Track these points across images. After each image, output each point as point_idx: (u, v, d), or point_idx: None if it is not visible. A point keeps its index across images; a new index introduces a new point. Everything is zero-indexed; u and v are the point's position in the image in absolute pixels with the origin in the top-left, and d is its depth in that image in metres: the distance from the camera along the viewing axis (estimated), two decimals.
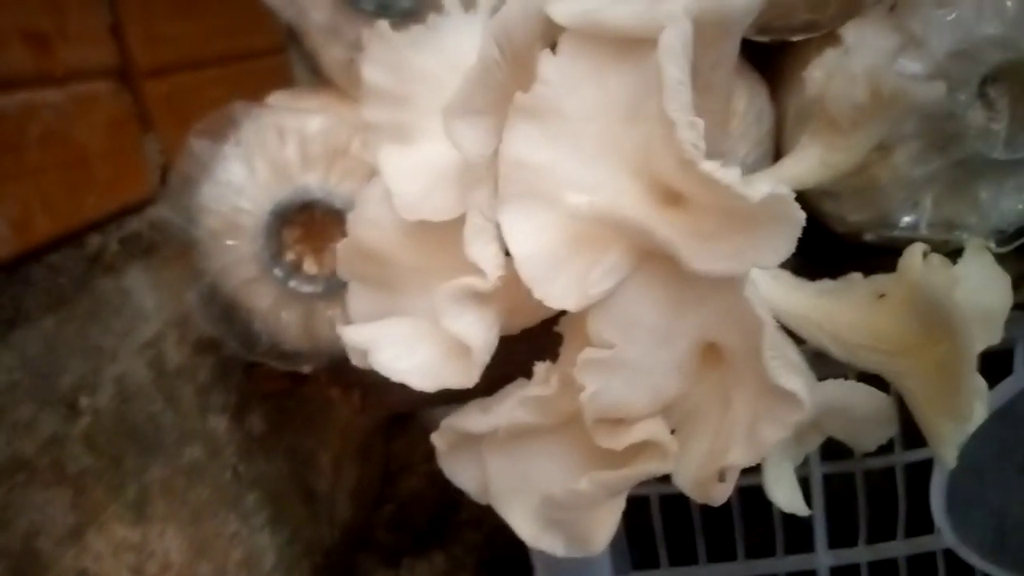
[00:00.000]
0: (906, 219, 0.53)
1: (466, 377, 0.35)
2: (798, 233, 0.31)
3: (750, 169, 0.54)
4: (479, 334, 0.35)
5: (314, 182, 0.53)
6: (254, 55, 0.72)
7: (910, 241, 0.53)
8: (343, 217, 0.47)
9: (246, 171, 0.54)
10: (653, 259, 0.33)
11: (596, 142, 0.35)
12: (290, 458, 0.68)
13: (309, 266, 0.56)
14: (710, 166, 0.30)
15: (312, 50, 0.53)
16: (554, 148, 0.35)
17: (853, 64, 0.45)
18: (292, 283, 0.55)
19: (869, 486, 0.56)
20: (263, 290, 0.55)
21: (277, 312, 0.56)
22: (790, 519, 0.47)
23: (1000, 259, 0.52)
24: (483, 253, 0.35)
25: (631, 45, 0.34)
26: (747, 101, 0.54)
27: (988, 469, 0.54)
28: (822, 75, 0.46)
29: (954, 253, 0.51)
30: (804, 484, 0.55)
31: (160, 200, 0.56)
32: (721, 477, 0.34)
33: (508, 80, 0.35)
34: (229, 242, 0.54)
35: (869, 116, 0.44)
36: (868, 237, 0.55)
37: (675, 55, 0.31)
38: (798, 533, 0.56)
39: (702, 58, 0.35)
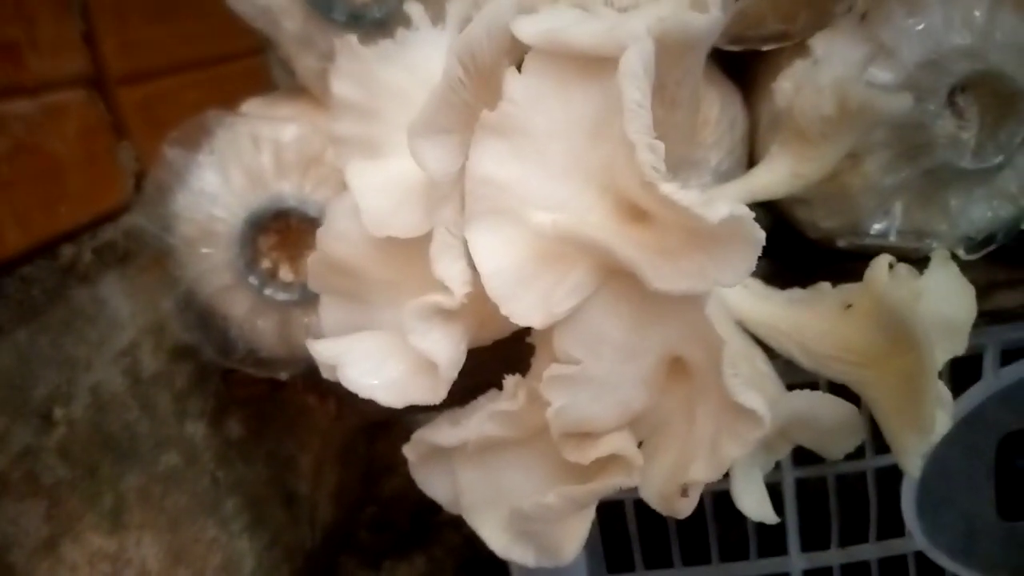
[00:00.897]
0: (877, 226, 0.54)
1: (433, 394, 0.35)
2: (758, 252, 0.31)
3: (724, 176, 0.55)
4: (445, 351, 0.35)
5: (288, 190, 0.53)
6: (231, 57, 0.72)
7: (882, 248, 0.54)
8: (318, 225, 0.47)
9: (220, 179, 0.54)
10: (617, 276, 0.34)
11: (562, 159, 0.35)
12: (270, 462, 0.69)
13: (284, 273, 0.56)
14: (669, 188, 0.30)
15: (285, 58, 0.53)
16: (520, 165, 0.35)
17: (821, 76, 0.46)
18: (267, 291, 0.55)
19: (841, 490, 0.56)
20: (238, 297, 0.55)
21: (253, 319, 0.56)
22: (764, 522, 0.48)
23: (969, 266, 0.53)
24: (450, 271, 0.35)
25: (595, 63, 0.34)
26: (720, 109, 0.54)
27: (958, 473, 0.55)
28: (791, 86, 0.47)
29: (925, 260, 0.52)
30: (777, 488, 0.56)
31: (135, 208, 0.56)
32: (684, 492, 0.34)
33: (473, 98, 0.36)
34: (204, 250, 0.54)
35: (837, 128, 0.44)
36: (840, 243, 0.55)
37: (635, 77, 0.31)
38: (771, 536, 0.57)
39: (667, 74, 0.36)
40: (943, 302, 0.41)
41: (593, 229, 0.33)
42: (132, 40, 0.59)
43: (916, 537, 0.56)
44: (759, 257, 0.31)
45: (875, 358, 0.40)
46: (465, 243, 0.35)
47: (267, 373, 0.59)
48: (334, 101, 0.41)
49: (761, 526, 0.57)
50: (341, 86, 0.42)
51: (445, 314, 0.35)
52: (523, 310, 0.34)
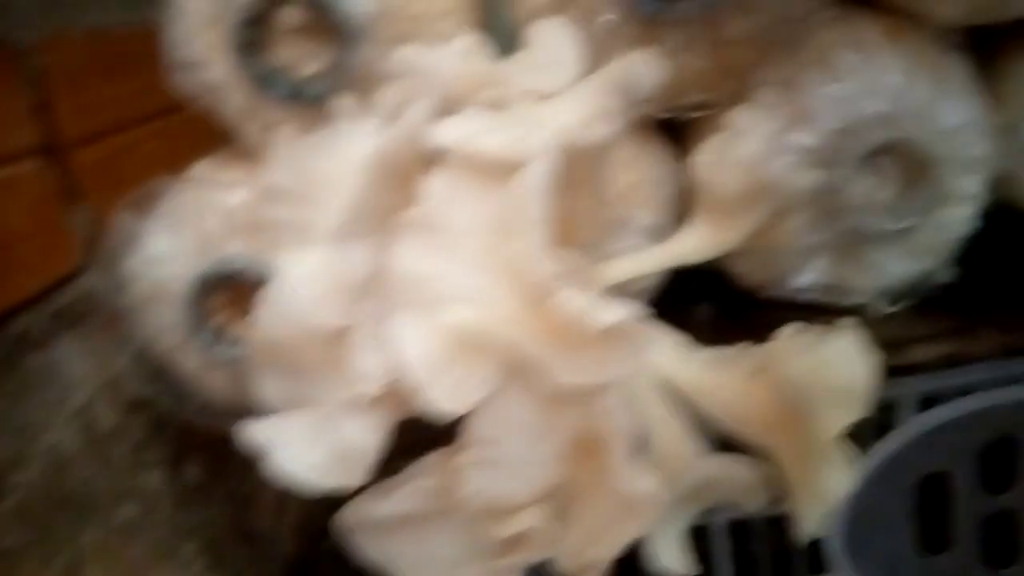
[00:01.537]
0: (801, 281, 0.56)
1: (355, 478, 0.38)
2: (643, 351, 0.34)
3: (656, 231, 0.56)
4: (365, 438, 0.37)
5: (237, 253, 0.55)
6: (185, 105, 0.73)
7: (806, 300, 0.57)
8: (266, 285, 0.49)
9: (170, 244, 0.56)
10: (527, 366, 0.36)
11: (476, 254, 0.38)
12: (229, 502, 0.71)
13: (235, 329, 0.58)
14: (563, 296, 0.33)
15: (231, 127, 0.55)
16: (438, 260, 0.38)
17: (736, 150, 0.48)
18: (217, 349, 0.57)
19: (771, 529, 0.59)
20: (190, 354, 0.58)
21: (206, 375, 0.58)
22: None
23: (889, 320, 0.56)
24: (368, 363, 0.37)
25: (504, 168, 0.36)
26: (648, 168, 0.56)
27: (882, 512, 0.57)
28: (708, 160, 0.49)
29: (850, 311, 0.55)
30: (707, 530, 0.58)
31: (89, 270, 0.58)
32: (590, 566, 0.37)
33: (393, 198, 0.38)
34: (156, 311, 0.57)
35: (749, 202, 0.47)
36: (769, 295, 0.58)
37: (535, 192, 0.34)
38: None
39: (575, 172, 0.38)
40: (842, 370, 0.44)
41: (501, 327, 0.35)
42: (87, 102, 0.61)
43: (844, 573, 0.59)
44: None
45: (776, 426, 0.43)
46: (385, 334, 0.38)
47: (223, 424, 0.61)
48: (267, 188, 0.44)
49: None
50: (275, 173, 0.44)
51: (365, 403, 0.38)
52: (439, 398, 0.37)
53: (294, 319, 0.41)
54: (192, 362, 0.58)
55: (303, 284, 0.40)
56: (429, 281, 0.38)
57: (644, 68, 0.38)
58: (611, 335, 0.33)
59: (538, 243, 0.33)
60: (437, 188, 0.38)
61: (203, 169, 0.59)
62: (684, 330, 0.49)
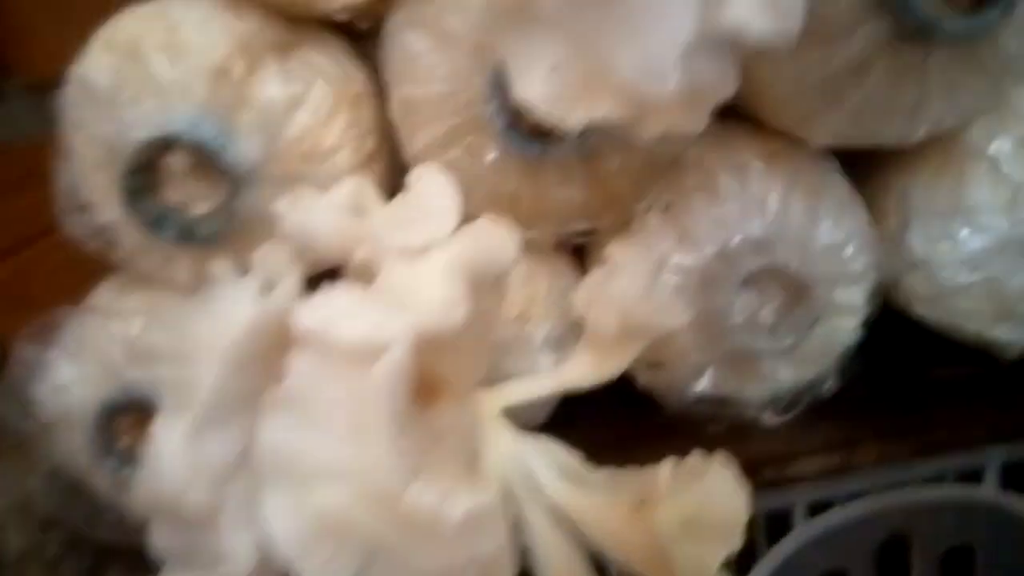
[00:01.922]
0: (693, 391, 0.57)
1: None
2: (500, 541, 0.35)
3: (558, 342, 0.58)
4: None
5: (139, 380, 0.56)
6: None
7: (700, 410, 0.58)
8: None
9: (73, 372, 0.57)
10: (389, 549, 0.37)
11: (345, 428, 0.39)
12: None
13: (142, 450, 0.59)
14: (411, 497, 0.34)
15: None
16: (306, 437, 0.39)
17: (613, 287, 0.50)
18: (125, 471, 0.57)
19: None
20: (99, 476, 0.58)
21: (117, 495, 0.59)
22: None
23: (777, 435, 0.57)
24: (235, 542, 0.38)
25: (363, 353, 0.38)
26: (548, 284, 0.57)
27: None
28: (587, 296, 0.50)
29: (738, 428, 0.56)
30: None
31: None
32: None
33: (265, 372, 0.39)
34: (64, 436, 0.57)
35: (627, 339, 0.48)
36: (667, 403, 0.59)
37: (386, 389, 0.35)
38: None
39: (442, 345, 0.39)
40: (715, 506, 0.45)
41: (362, 511, 0.37)
42: None
43: None
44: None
45: (654, 561, 0.44)
46: (253, 513, 0.38)
47: (137, 539, 0.61)
48: (146, 351, 0.45)
49: None
50: (157, 334, 0.45)
51: None
52: (309, 574, 0.38)
53: (165, 491, 0.41)
54: (102, 482, 0.59)
55: (171, 460, 0.41)
56: (296, 459, 0.38)
57: (500, 244, 0.39)
58: (466, 524, 0.34)
59: (389, 441, 0.34)
60: (302, 367, 0.39)
61: (102, 297, 0.59)
62: (594, 437, 0.50)
